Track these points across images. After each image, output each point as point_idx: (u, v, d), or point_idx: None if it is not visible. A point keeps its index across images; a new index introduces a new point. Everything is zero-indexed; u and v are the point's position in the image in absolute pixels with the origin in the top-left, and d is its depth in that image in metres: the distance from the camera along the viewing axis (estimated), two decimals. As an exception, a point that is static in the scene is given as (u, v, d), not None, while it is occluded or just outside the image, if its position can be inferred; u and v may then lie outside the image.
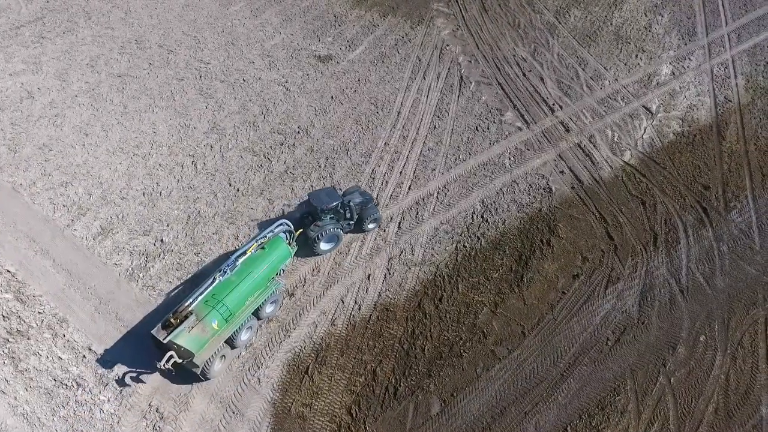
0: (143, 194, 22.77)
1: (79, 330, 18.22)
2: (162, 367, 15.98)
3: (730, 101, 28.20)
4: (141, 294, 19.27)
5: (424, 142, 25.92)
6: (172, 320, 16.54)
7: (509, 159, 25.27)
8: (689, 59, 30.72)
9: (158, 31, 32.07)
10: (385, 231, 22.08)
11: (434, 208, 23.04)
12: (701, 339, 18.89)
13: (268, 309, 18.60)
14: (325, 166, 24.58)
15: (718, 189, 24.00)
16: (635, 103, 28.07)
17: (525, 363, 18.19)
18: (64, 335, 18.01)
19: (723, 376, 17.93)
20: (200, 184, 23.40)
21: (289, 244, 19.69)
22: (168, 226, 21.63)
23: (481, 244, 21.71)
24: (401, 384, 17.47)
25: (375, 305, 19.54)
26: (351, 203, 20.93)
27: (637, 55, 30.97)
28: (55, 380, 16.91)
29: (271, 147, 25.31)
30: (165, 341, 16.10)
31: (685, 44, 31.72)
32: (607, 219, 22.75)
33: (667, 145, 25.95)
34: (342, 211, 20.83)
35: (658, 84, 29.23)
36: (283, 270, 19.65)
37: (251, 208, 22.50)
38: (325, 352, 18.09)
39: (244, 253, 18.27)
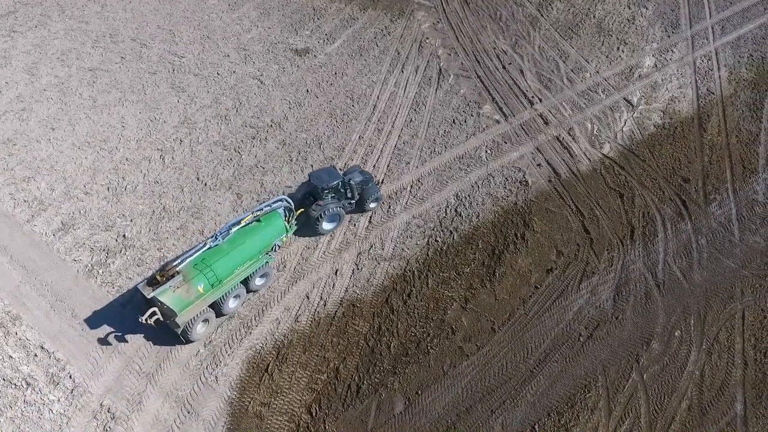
0: (107, 189, 22.18)
1: (32, 328, 17.62)
2: (143, 321, 16.15)
3: (713, 93, 27.68)
4: (99, 290, 18.68)
5: (399, 136, 25.37)
6: (158, 277, 16.63)
7: (486, 152, 24.72)
8: (672, 51, 30.21)
9: (133, 25, 31.48)
10: (355, 225, 21.51)
11: (407, 202, 22.47)
12: (676, 334, 18.34)
13: (258, 281, 18.67)
14: (297, 159, 24.01)
15: (698, 181, 23.47)
16: (616, 96, 27.54)
17: (494, 360, 17.62)
18: (16, 333, 17.41)
19: (697, 372, 17.38)
20: (167, 179, 22.82)
21: (288, 222, 19.64)
22: (131, 221, 21.04)
23: (453, 239, 21.14)
24: (365, 382, 16.89)
25: (341, 301, 18.97)
26: (352, 182, 20.86)
27: (619, 48, 30.44)
28: (3, 380, 16.30)
29: (242, 141, 24.74)
30: (149, 297, 16.27)
31: (669, 36, 31.20)
32: (583, 212, 22.20)
33: (648, 138, 25.42)
34: (343, 190, 20.79)
35: (640, 76, 28.70)
36: (279, 246, 19.50)
37: (218, 203, 21.92)
38: (286, 350, 17.51)
39: (239, 223, 18.21)
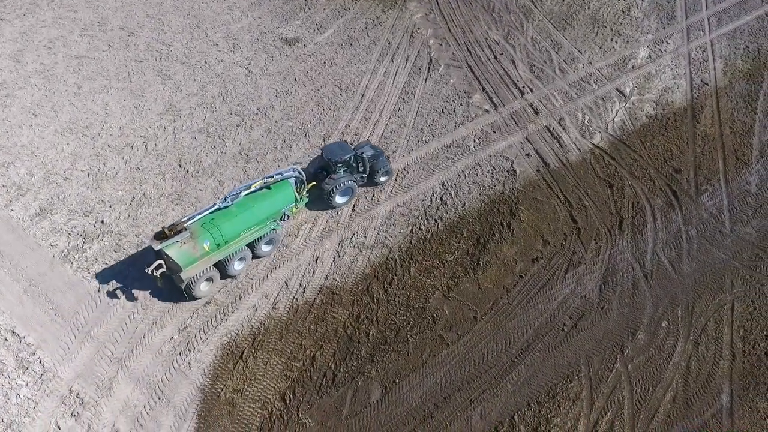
0: (88, 175, 21.86)
1: (3, 312, 17.29)
2: (149, 272, 16.66)
3: (707, 84, 27.20)
4: (74, 276, 18.34)
5: (387, 125, 24.98)
6: (166, 231, 17.02)
7: (474, 141, 24.30)
8: (667, 43, 29.73)
9: (121, 14, 31.20)
10: (338, 213, 21.13)
11: (392, 191, 22.08)
12: (663, 325, 17.89)
13: (264, 248, 18.95)
14: (282, 147, 23.66)
15: (690, 172, 23.00)
16: (608, 86, 27.08)
17: (474, 349, 17.20)
18: (-13, 317, 17.13)
19: (684, 363, 16.92)
20: (149, 165, 22.49)
21: (299, 193, 19.89)
22: (110, 207, 20.71)
23: (437, 227, 20.74)
24: (341, 370, 16.49)
25: (320, 288, 18.58)
26: (364, 155, 21.03)
27: (612, 39, 29.99)
28: (-29, 363, 16.02)
29: (226, 128, 24.39)
30: (156, 249, 16.75)
31: (664, 28, 30.73)
32: (571, 202, 21.77)
33: (639, 128, 24.96)
34: (355, 164, 20.96)
35: (633, 67, 28.24)
36: (288, 216, 19.78)
37: (200, 190, 21.56)
38: (263, 337, 17.13)
39: (249, 187, 18.52)
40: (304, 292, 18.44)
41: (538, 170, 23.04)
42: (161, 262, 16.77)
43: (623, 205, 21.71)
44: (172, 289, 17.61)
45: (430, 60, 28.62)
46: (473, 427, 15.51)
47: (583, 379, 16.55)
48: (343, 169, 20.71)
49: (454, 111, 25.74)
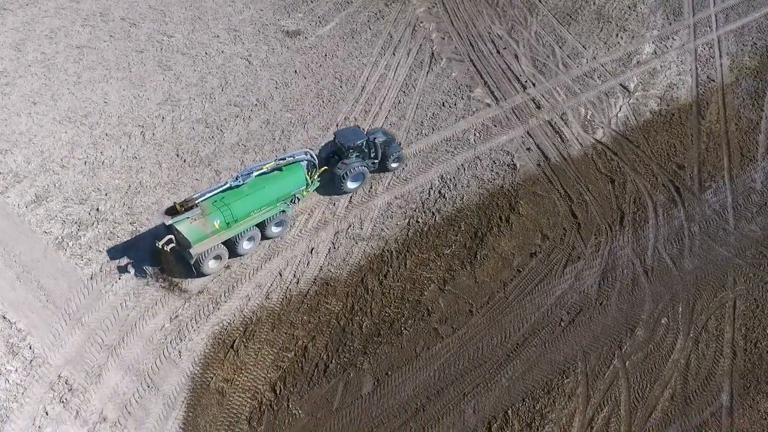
0: (84, 163, 21.76)
1: (-5, 297, 17.22)
2: (159, 246, 16.93)
3: (713, 81, 26.76)
4: (67, 263, 18.22)
5: (386, 117, 24.72)
6: (178, 207, 17.21)
7: (474, 135, 24.01)
8: (673, 39, 29.30)
9: (124, 4, 31.13)
10: (335, 205, 20.90)
11: (390, 183, 21.83)
12: (663, 322, 17.52)
13: (274, 229, 19.09)
14: (280, 138, 23.47)
15: (694, 168, 22.59)
16: (612, 82, 26.71)
17: (469, 342, 16.91)
18: (-21, 302, 17.02)
19: (683, 361, 16.55)
20: (146, 155, 22.36)
21: (311, 177, 20.03)
22: (106, 195, 20.59)
23: (435, 220, 20.46)
24: (333, 361, 16.25)
25: (315, 279, 18.35)
26: (376, 141, 21.05)
27: (617, 34, 29.59)
28: (-39, 348, 15.91)
29: (225, 119, 24.23)
30: (167, 224, 17.01)
31: (670, 24, 30.30)
32: (572, 197, 21.42)
33: (643, 124, 24.56)
34: (367, 150, 20.98)
35: (638, 63, 27.85)
36: (298, 199, 19.92)
37: (196, 179, 21.40)
38: (254, 326, 16.92)
39: (261, 168, 18.69)
40: (298, 283, 18.22)
41: (538, 164, 22.71)
42: (171, 237, 17.08)
43: (624, 200, 21.34)
44: (179, 263, 17.82)
45: (432, 54, 28.35)
46: (466, 421, 15.23)
47: (580, 375, 16.23)
48: (355, 155, 20.72)
49: (455, 104, 25.45)
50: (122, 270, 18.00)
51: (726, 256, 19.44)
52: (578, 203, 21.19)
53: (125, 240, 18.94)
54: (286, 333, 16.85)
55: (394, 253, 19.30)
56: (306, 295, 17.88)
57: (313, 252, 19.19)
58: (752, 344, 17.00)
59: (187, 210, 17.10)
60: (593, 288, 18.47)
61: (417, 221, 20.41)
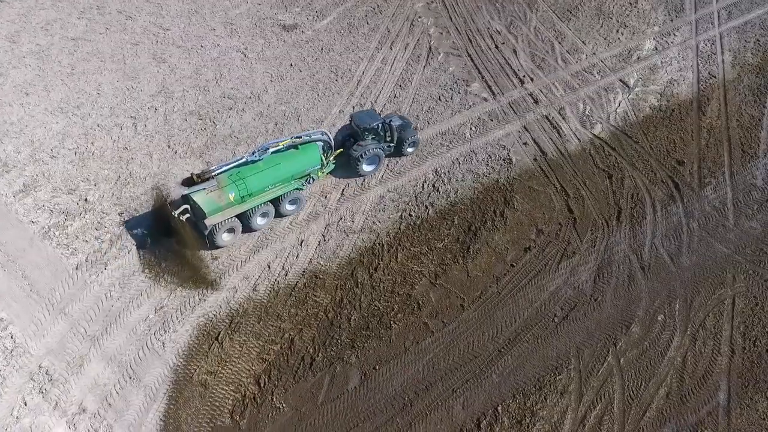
0: (75, 153, 21.52)
1: (-22, 286, 16.97)
2: (175, 215, 17.22)
3: (715, 77, 26.31)
4: (53, 252, 17.95)
5: (382, 111, 24.36)
6: (194, 178, 17.65)
7: (470, 129, 23.65)
8: (674, 35, 28.88)
9: (121, -2, 31.03)
10: (326, 197, 20.58)
11: (383, 176, 21.48)
12: (659, 318, 17.09)
13: (288, 207, 19.41)
14: (273, 131, 23.18)
15: (693, 164, 22.15)
16: (612, 77, 26.31)
17: (460, 337, 16.52)
18: (-39, 291, 16.77)
19: (679, 359, 16.10)
20: (137, 146, 22.11)
21: (326, 158, 20.23)
22: (95, 185, 20.34)
23: (428, 214, 20.09)
24: (319, 354, 15.89)
25: (304, 272, 18.01)
26: (393, 124, 21.02)
27: (618, 30, 29.19)
28: (-60, 337, 15.64)
29: (218, 111, 23.97)
30: (184, 194, 17.49)
31: (671, 20, 29.88)
32: (568, 192, 21.02)
33: (642, 120, 24.15)
34: (383, 133, 20.97)
35: (638, 58, 27.43)
36: (313, 179, 20.10)
37: (186, 171, 21.05)
38: (240, 318, 16.59)
39: (277, 145, 18.99)
40: (286, 275, 17.89)
41: (535, 159, 22.33)
42: (187, 207, 17.39)
43: (622, 196, 20.92)
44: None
45: (430, 48, 28.03)
46: (454, 418, 14.84)
47: (573, 372, 15.81)
48: (371, 137, 20.73)
49: (452, 99, 25.12)
50: (109, 263, 17.72)
51: (725, 253, 18.99)
52: (575, 198, 20.79)
53: (113, 231, 18.65)
54: (272, 325, 16.51)
55: (385, 246, 18.95)
56: (294, 288, 17.55)
57: (302, 244, 18.86)
58: (751, 342, 16.55)
59: (203, 181, 17.54)
60: (588, 284, 18.05)
61: (410, 215, 20.05)
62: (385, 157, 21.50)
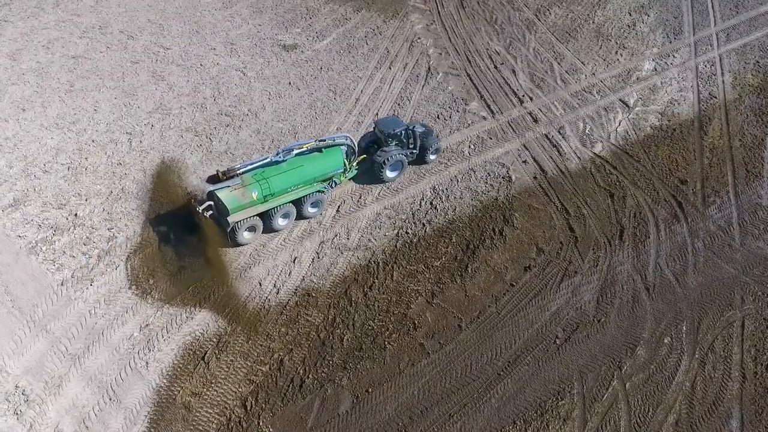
0: (68, 168, 21.24)
1: (-42, 302, 16.41)
2: (199, 210, 17.52)
3: (715, 97, 26.13)
4: (38, 268, 17.44)
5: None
6: (220, 175, 18.19)
7: (469, 147, 23.36)
8: (673, 56, 28.86)
9: (124, 18, 31.29)
10: (321, 215, 20.14)
11: (379, 193, 21.09)
12: (666, 341, 16.36)
13: (310, 209, 19.56)
14: (270, 148, 22.91)
15: (696, 184, 21.71)
16: (612, 97, 26.16)
17: (457, 359, 15.80)
18: (-59, 306, 16.20)
19: (688, 384, 15.32)
20: (131, 161, 21.84)
21: (349, 162, 20.41)
22: (86, 200, 19.97)
23: (425, 231, 19.60)
24: (310, 376, 15.17)
25: (296, 290, 17.43)
26: (416, 130, 21.31)
27: (617, 52, 29.22)
28: None
29: (215, 128, 23.80)
30: (208, 191, 17.82)
31: (670, 42, 29.94)
32: (569, 210, 20.54)
33: (643, 139, 23.85)
34: (406, 139, 21.20)
35: (638, 79, 27.35)
36: (335, 183, 20.27)
37: (180, 186, 20.78)
38: (228, 337, 15.95)
39: (301, 147, 19.26)
40: (277, 293, 17.30)
41: (534, 177, 21.95)
42: (211, 203, 17.61)
43: (624, 215, 20.43)
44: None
45: (429, 68, 28.03)
46: (451, 445, 14.05)
47: (576, 397, 15.02)
48: (394, 143, 20.89)
49: (450, 117, 24.93)
50: (95, 279, 17.14)
51: (732, 274, 18.36)
52: (576, 217, 20.31)
53: (102, 247, 18.19)
54: (261, 345, 15.84)
55: (380, 264, 18.39)
56: (285, 306, 16.94)
57: (295, 261, 18.33)
58: (763, 367, 15.77)
59: (228, 179, 17.91)
60: (591, 304, 17.40)
61: (406, 232, 19.56)
62: (408, 164, 21.62)
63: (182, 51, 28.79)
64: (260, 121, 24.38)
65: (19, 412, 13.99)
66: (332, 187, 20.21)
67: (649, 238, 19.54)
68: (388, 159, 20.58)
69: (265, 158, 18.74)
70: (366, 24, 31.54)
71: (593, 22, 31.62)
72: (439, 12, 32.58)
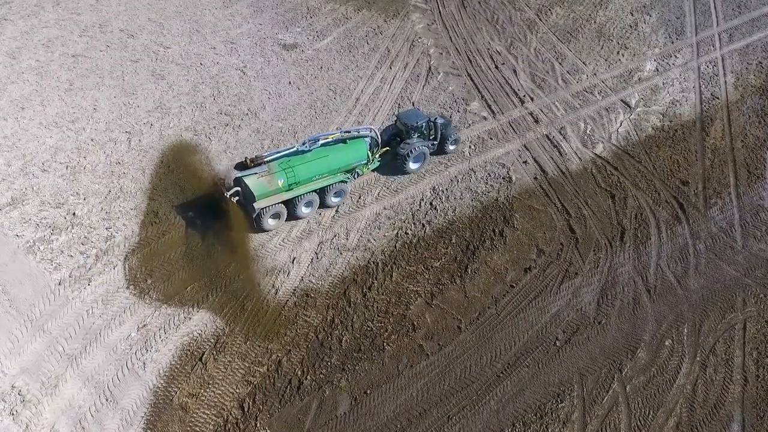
0: (66, 167, 21.15)
1: (-45, 301, 16.33)
2: (227, 194, 17.97)
3: (717, 98, 25.99)
4: (36, 267, 17.35)
5: (380, 128, 24.07)
6: (248, 162, 18.69)
7: (469, 147, 23.24)
8: (675, 57, 28.73)
9: (124, 17, 31.20)
10: (321, 215, 20.04)
11: (379, 193, 20.99)
12: (666, 343, 16.24)
13: (334, 199, 19.94)
14: (269, 147, 22.79)
15: (698, 185, 21.59)
16: (613, 97, 26.03)
17: (456, 361, 15.69)
18: (-63, 306, 16.12)
19: (689, 386, 15.20)
20: (130, 160, 21.76)
21: (372, 154, 20.76)
22: (84, 199, 19.89)
23: (425, 232, 19.49)
24: (308, 377, 15.07)
25: (294, 290, 17.33)
26: (437, 121, 21.72)
27: (618, 52, 29.09)
28: None
29: (214, 127, 23.70)
30: (236, 177, 18.42)
31: (672, 42, 29.80)
32: (570, 211, 20.43)
33: (645, 139, 23.72)
34: (427, 131, 21.58)
35: (639, 79, 27.22)
36: (359, 174, 20.69)
37: (179, 186, 20.66)
38: (226, 338, 15.85)
39: (326, 138, 19.71)
40: (276, 294, 17.21)
41: (535, 178, 21.83)
42: (239, 189, 18.10)
43: (625, 216, 20.31)
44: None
45: (429, 68, 27.92)
46: (450, 447, 13.94)
47: (576, 399, 14.91)
48: (416, 135, 21.22)
49: (450, 117, 24.80)
50: (94, 278, 17.05)
51: (734, 276, 18.24)
52: (576, 218, 20.19)
53: (99, 246, 18.10)
54: (259, 346, 15.75)
55: (380, 264, 18.29)
56: (283, 307, 16.84)
57: (294, 262, 18.23)
58: (765, 370, 15.65)
59: (255, 166, 18.42)
60: (591, 306, 17.28)
61: (406, 233, 19.45)
62: (430, 154, 21.92)
63: (182, 50, 28.69)
64: (260, 120, 24.27)
65: (15, 413, 13.90)
66: (355, 178, 20.55)
67: (650, 239, 19.42)
68: (412, 151, 20.94)
69: (292, 147, 19.19)
70: (366, 23, 31.43)
71: (595, 22, 31.48)
72: (440, 11, 32.46)
